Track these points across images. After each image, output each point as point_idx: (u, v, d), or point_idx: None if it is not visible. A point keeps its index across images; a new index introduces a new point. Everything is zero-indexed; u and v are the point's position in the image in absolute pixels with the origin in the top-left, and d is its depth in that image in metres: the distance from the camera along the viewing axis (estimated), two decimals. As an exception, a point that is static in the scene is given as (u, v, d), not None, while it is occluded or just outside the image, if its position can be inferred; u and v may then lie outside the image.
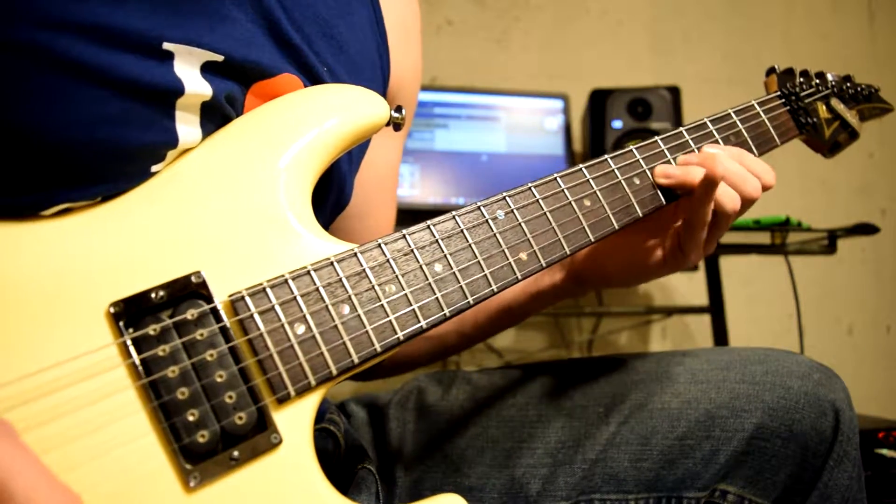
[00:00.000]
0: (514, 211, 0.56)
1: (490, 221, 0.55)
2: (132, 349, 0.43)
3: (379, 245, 0.51)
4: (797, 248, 1.68)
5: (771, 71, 0.78)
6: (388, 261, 0.51)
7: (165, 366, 0.43)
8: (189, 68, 0.47)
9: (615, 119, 1.75)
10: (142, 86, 0.45)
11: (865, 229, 1.57)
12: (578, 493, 0.66)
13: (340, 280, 0.49)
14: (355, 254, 0.50)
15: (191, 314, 0.45)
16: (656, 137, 0.65)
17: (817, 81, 0.79)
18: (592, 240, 0.59)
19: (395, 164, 0.79)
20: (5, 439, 0.37)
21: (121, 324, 0.43)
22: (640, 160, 0.64)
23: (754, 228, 1.56)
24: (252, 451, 0.44)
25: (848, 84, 0.80)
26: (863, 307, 2.25)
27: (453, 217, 0.54)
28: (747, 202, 0.65)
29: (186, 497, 0.42)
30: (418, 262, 0.52)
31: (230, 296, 0.46)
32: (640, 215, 0.62)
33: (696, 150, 0.66)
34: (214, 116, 0.50)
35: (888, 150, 2.30)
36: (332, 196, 0.63)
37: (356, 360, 0.48)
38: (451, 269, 0.53)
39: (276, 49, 0.54)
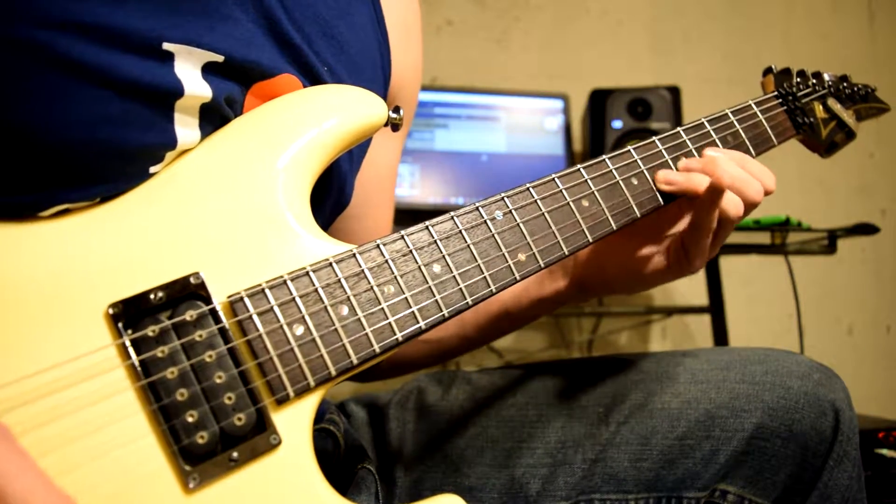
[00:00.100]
0: (513, 212, 0.56)
1: (488, 222, 0.55)
2: (131, 350, 0.43)
3: (378, 246, 0.51)
4: (797, 248, 1.68)
5: (768, 71, 0.78)
6: (386, 261, 0.51)
7: (164, 367, 0.43)
8: (190, 69, 0.47)
9: (615, 119, 1.75)
10: (142, 86, 0.45)
11: (865, 229, 1.57)
12: (578, 493, 0.66)
13: (339, 281, 0.49)
14: (354, 254, 0.50)
15: (190, 315, 0.45)
16: (654, 138, 0.65)
17: (814, 81, 0.78)
18: (591, 240, 0.59)
19: (394, 164, 0.79)
20: (2, 442, 0.37)
21: (120, 325, 0.43)
22: (638, 160, 0.63)
23: (754, 228, 1.56)
24: (251, 452, 0.44)
25: (845, 84, 0.80)
26: (863, 307, 2.25)
27: (452, 218, 0.54)
28: (750, 207, 0.64)
29: (186, 498, 0.42)
30: (417, 262, 0.52)
31: (229, 297, 0.46)
32: (639, 216, 0.62)
33: (693, 151, 0.66)
34: (213, 118, 0.50)
35: (888, 150, 2.30)
36: (331, 196, 0.63)
37: (355, 361, 0.48)
38: (450, 269, 0.53)
39: (276, 49, 0.54)
